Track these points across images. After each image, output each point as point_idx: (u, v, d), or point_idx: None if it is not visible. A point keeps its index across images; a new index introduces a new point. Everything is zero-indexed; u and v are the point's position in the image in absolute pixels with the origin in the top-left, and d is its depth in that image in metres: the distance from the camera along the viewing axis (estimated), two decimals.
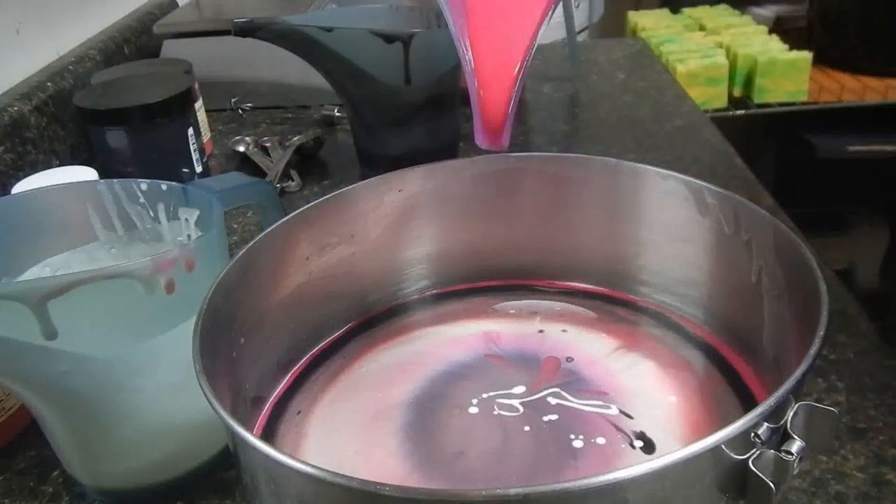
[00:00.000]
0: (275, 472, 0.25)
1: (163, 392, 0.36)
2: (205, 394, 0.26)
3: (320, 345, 0.40)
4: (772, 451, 0.24)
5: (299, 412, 0.36)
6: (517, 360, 0.38)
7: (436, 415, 0.35)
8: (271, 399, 0.37)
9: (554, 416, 0.34)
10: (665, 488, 0.23)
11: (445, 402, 0.36)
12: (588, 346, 0.38)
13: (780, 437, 0.24)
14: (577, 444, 0.32)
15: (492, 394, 0.36)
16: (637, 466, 0.21)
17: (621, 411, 0.34)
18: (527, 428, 0.33)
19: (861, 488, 0.36)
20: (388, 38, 0.59)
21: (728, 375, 0.36)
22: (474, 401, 0.35)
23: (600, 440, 0.32)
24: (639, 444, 0.32)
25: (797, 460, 0.24)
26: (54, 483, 0.41)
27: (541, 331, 0.40)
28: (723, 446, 0.22)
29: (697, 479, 0.23)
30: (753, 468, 0.23)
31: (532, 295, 0.43)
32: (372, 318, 0.42)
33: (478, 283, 0.44)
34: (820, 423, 0.25)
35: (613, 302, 0.41)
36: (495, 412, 0.35)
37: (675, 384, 0.35)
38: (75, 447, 0.38)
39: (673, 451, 0.22)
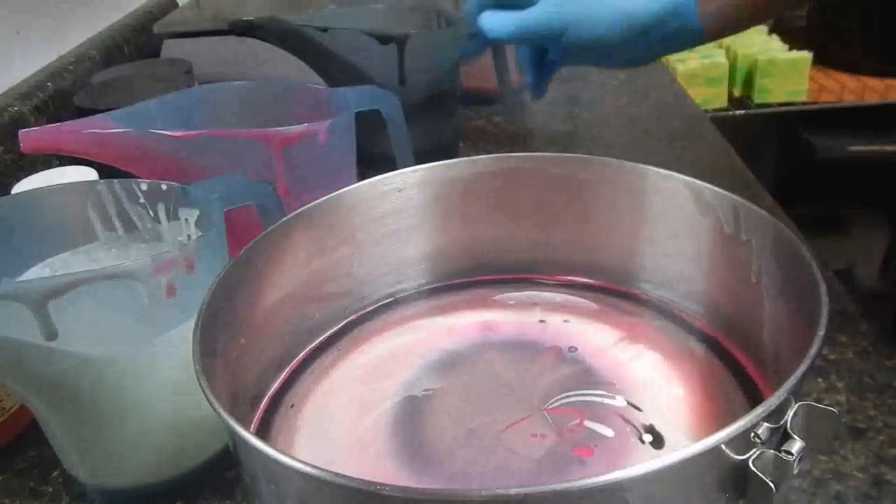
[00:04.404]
0: (275, 472, 0.25)
1: (163, 392, 0.36)
2: (205, 394, 0.26)
3: (317, 340, 0.40)
4: (772, 451, 0.24)
5: (293, 405, 0.36)
6: (517, 349, 0.38)
7: (430, 406, 0.35)
8: (268, 394, 0.37)
9: (558, 407, 0.34)
10: (665, 488, 0.23)
11: (440, 393, 0.35)
12: (591, 336, 0.38)
13: (780, 437, 0.24)
14: (584, 436, 0.32)
15: (490, 383, 0.36)
16: (637, 466, 0.21)
17: (629, 402, 0.34)
18: (529, 419, 0.33)
19: (861, 488, 0.36)
20: (383, 39, 0.59)
21: (732, 368, 0.36)
22: (471, 391, 0.35)
23: (608, 432, 0.32)
24: (648, 438, 0.32)
25: (797, 460, 0.24)
26: (54, 483, 0.41)
27: (542, 321, 0.40)
28: (723, 446, 0.22)
29: (697, 479, 0.23)
30: (753, 468, 0.23)
31: (532, 287, 0.43)
32: (370, 312, 0.42)
33: (477, 277, 0.44)
34: (820, 423, 0.25)
35: (615, 294, 0.41)
36: (494, 403, 0.34)
37: (681, 376, 0.35)
38: (75, 447, 0.38)
39: (678, 448, 0.22)
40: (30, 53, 0.74)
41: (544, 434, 0.32)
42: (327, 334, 0.40)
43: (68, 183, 0.43)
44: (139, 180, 0.41)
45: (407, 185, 0.41)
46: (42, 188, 0.42)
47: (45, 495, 0.40)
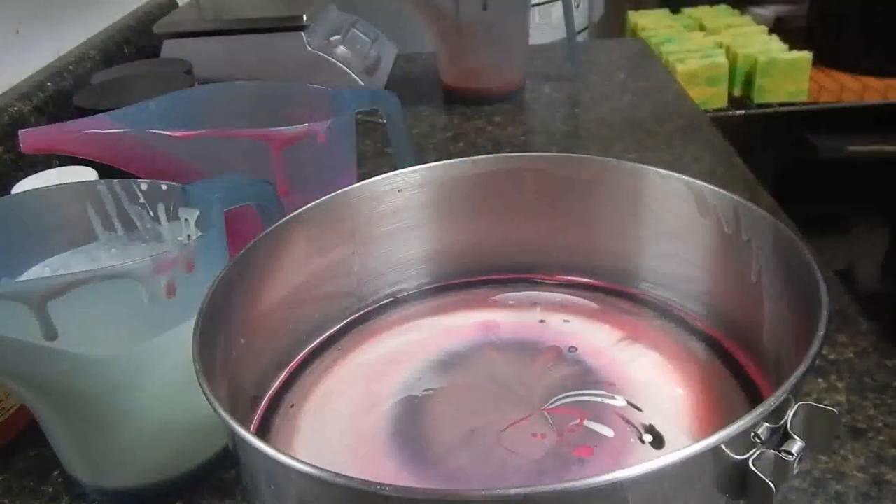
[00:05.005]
0: (275, 472, 0.25)
1: (163, 392, 0.36)
2: (205, 394, 0.26)
3: (317, 340, 0.40)
4: (772, 451, 0.24)
5: (293, 405, 0.36)
6: (517, 349, 0.38)
7: (430, 406, 0.35)
8: (268, 394, 0.37)
9: (558, 407, 0.34)
10: (665, 488, 0.23)
11: (440, 393, 0.35)
12: (591, 336, 0.38)
13: (780, 437, 0.24)
14: (584, 436, 0.32)
15: (490, 383, 0.36)
16: (637, 466, 0.21)
17: (629, 403, 0.34)
18: (529, 419, 0.33)
19: (861, 488, 0.36)
20: None
21: (732, 368, 0.36)
22: (471, 391, 0.35)
23: (608, 432, 0.32)
24: (648, 438, 0.32)
25: (797, 460, 0.24)
26: (54, 483, 0.41)
27: (542, 321, 0.40)
28: (723, 446, 0.22)
29: (697, 479, 0.23)
30: (753, 468, 0.23)
31: (532, 287, 0.43)
32: (369, 312, 0.42)
33: (477, 278, 0.44)
34: (820, 423, 0.25)
35: (615, 294, 0.41)
36: (494, 403, 0.34)
37: (681, 376, 0.35)
38: (75, 447, 0.38)
39: (678, 448, 0.22)
40: (30, 53, 0.74)
41: (544, 434, 0.32)
42: (327, 334, 0.40)
43: (68, 183, 0.43)
44: (139, 180, 0.41)
45: (407, 185, 0.41)
46: (42, 188, 0.42)
47: (45, 495, 0.40)
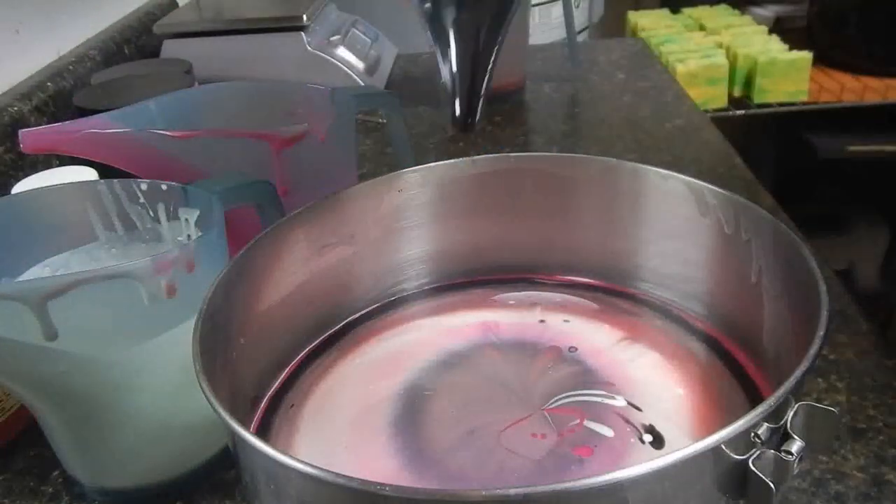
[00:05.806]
0: (275, 472, 0.25)
1: (163, 392, 0.36)
2: (205, 394, 0.26)
3: (317, 340, 0.40)
4: (772, 451, 0.24)
5: (293, 406, 0.36)
6: (517, 349, 0.38)
7: (430, 406, 0.35)
8: (268, 394, 0.37)
9: (558, 407, 0.34)
10: (665, 488, 0.23)
11: (440, 393, 0.35)
12: (591, 336, 0.38)
13: (780, 437, 0.24)
14: (584, 436, 0.32)
15: (490, 383, 0.36)
16: (637, 466, 0.21)
17: (629, 403, 0.34)
18: (529, 418, 0.33)
19: (861, 488, 0.36)
20: None
21: (732, 368, 0.36)
22: (471, 391, 0.35)
23: (608, 432, 0.32)
24: (648, 438, 0.32)
25: (797, 460, 0.24)
26: (54, 483, 0.41)
27: (542, 321, 0.40)
28: (723, 446, 0.22)
29: (697, 479, 0.23)
30: (753, 468, 0.23)
31: (532, 287, 0.43)
32: (369, 312, 0.42)
33: (477, 278, 0.44)
34: (820, 423, 0.25)
35: (615, 294, 0.41)
36: (494, 403, 0.34)
37: (681, 376, 0.35)
38: (75, 447, 0.38)
39: (678, 448, 0.22)
40: (30, 53, 0.74)
41: (544, 434, 0.32)
42: (327, 334, 0.40)
43: (68, 183, 0.43)
44: (139, 180, 0.41)
45: (407, 185, 0.41)
46: (42, 188, 0.42)
47: (45, 495, 0.40)
